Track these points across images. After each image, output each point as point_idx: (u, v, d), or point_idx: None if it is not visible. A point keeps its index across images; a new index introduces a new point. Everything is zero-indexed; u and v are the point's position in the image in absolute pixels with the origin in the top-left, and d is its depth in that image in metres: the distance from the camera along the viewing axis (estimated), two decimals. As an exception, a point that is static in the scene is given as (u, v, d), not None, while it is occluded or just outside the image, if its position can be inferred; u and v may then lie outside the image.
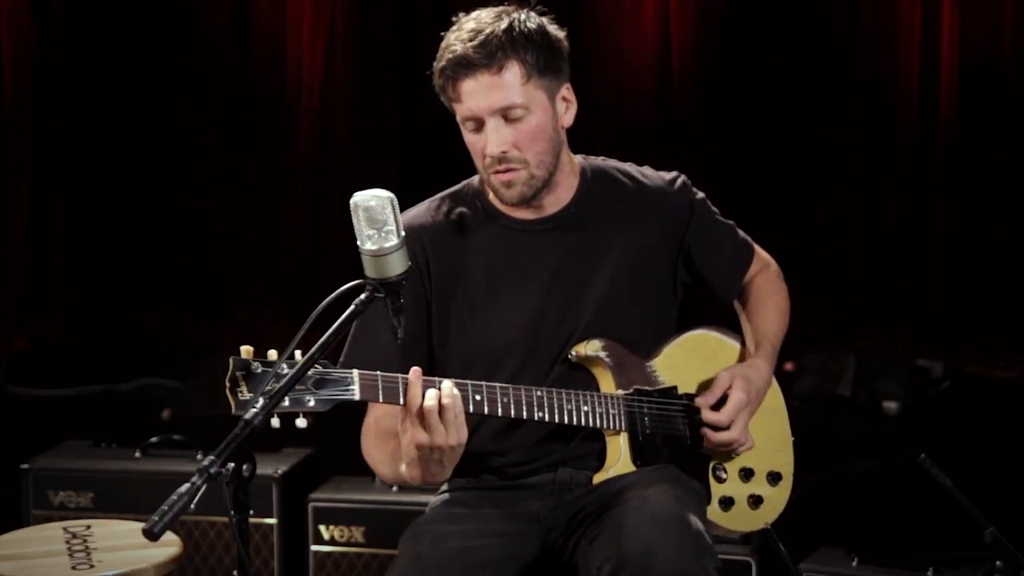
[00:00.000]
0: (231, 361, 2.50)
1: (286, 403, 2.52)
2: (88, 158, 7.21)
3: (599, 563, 2.71)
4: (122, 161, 7.20)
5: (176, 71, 7.19)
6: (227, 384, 2.49)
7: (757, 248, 3.18)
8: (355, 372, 2.61)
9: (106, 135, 7.19)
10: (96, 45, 7.17)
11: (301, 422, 2.56)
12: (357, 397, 2.62)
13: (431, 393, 2.65)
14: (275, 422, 2.54)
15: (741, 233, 3.15)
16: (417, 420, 2.64)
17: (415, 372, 2.66)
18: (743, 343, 3.09)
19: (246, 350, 2.51)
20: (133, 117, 7.17)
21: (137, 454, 4.27)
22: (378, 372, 2.64)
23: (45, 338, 7.13)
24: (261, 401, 2.39)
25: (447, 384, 2.67)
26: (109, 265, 7.21)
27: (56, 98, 7.15)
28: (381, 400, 2.65)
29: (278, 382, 2.47)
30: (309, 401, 2.55)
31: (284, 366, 2.50)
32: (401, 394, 2.65)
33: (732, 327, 3.13)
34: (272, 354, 2.53)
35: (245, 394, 2.49)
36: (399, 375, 2.66)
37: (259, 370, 2.50)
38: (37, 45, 7.10)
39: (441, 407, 2.64)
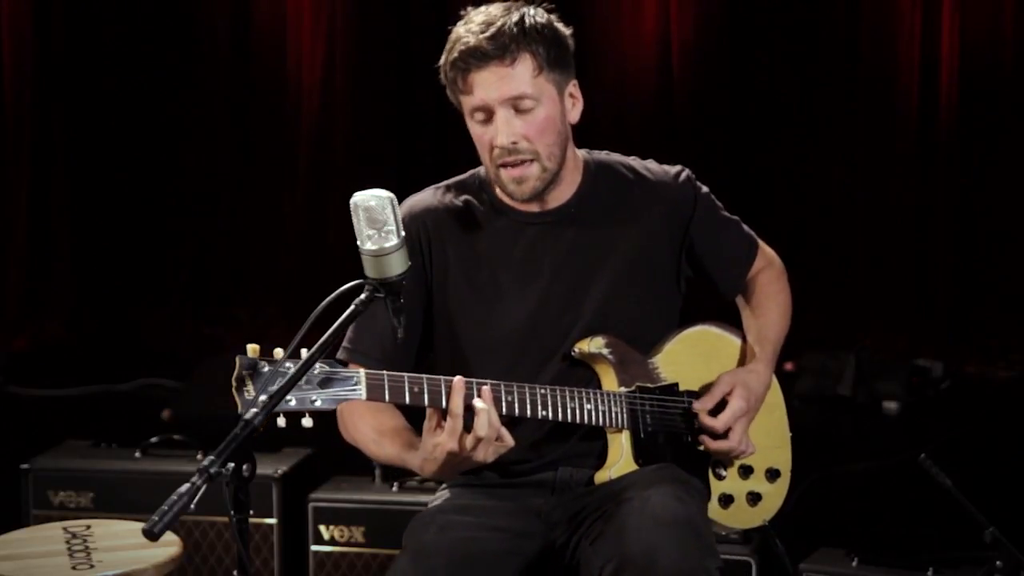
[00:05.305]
0: (237, 360, 2.49)
1: (292, 403, 2.52)
2: (88, 158, 7.20)
3: (601, 563, 2.71)
4: (122, 161, 7.19)
5: (176, 71, 7.18)
6: (233, 384, 2.49)
7: (762, 244, 3.16)
8: (361, 372, 2.61)
9: (106, 135, 7.18)
10: (96, 45, 7.16)
11: (307, 421, 2.56)
12: (364, 397, 2.62)
13: (482, 424, 2.65)
14: (280, 421, 2.54)
15: (746, 228, 3.14)
16: (455, 433, 2.66)
17: (459, 380, 2.67)
18: (744, 339, 3.08)
19: (252, 348, 2.51)
20: (133, 117, 7.16)
21: (137, 454, 4.27)
22: (384, 372, 2.64)
23: (45, 338, 7.12)
24: (262, 400, 2.39)
25: (485, 407, 2.67)
26: (109, 265, 7.20)
27: (56, 99, 7.14)
28: (387, 400, 2.66)
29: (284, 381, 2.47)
30: (315, 401, 2.56)
31: (289, 364, 2.49)
32: (435, 397, 2.66)
33: (733, 322, 3.12)
34: (278, 352, 2.52)
35: (251, 393, 2.48)
36: (404, 375, 2.66)
37: (265, 369, 2.49)
38: (37, 44, 7.09)
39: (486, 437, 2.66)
